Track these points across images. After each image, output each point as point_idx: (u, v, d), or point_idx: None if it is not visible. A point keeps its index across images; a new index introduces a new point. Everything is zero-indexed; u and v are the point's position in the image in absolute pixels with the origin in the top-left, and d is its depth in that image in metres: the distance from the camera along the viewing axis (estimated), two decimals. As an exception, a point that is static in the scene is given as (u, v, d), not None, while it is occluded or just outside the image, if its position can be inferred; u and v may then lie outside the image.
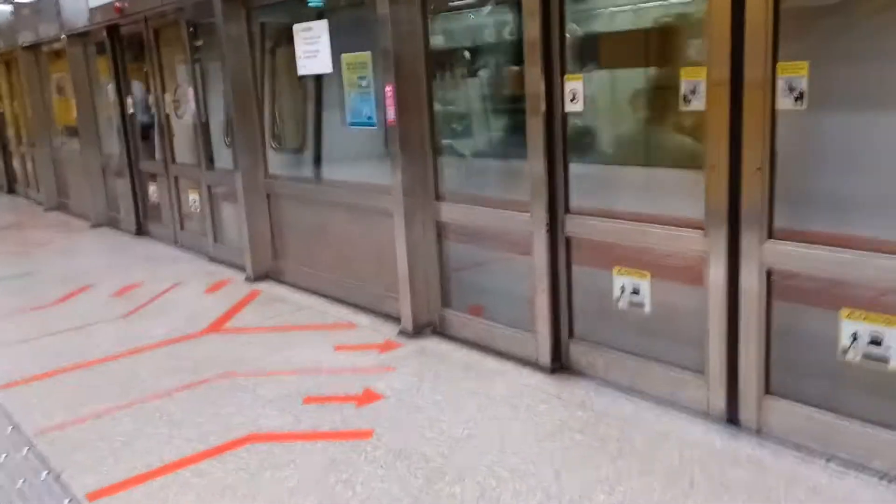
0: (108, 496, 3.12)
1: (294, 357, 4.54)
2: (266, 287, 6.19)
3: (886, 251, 2.77)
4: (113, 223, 9.45)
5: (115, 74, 8.53)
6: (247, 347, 4.78)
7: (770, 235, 3.06)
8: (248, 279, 6.39)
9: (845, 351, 2.92)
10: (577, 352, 4.00)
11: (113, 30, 8.36)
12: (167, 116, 7.85)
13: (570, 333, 4.03)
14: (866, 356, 2.87)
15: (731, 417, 3.31)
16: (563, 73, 3.75)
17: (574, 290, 3.99)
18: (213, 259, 7.23)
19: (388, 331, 4.87)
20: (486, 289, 4.67)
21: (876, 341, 2.83)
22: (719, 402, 3.34)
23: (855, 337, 2.88)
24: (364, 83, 4.90)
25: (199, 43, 6.92)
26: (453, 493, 2.94)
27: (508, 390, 3.87)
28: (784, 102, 2.93)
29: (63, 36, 9.26)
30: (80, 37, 9.15)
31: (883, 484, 2.80)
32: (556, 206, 3.91)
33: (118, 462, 3.39)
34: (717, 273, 3.24)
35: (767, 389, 3.19)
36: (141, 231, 8.86)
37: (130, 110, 8.52)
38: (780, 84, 2.92)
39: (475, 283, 4.74)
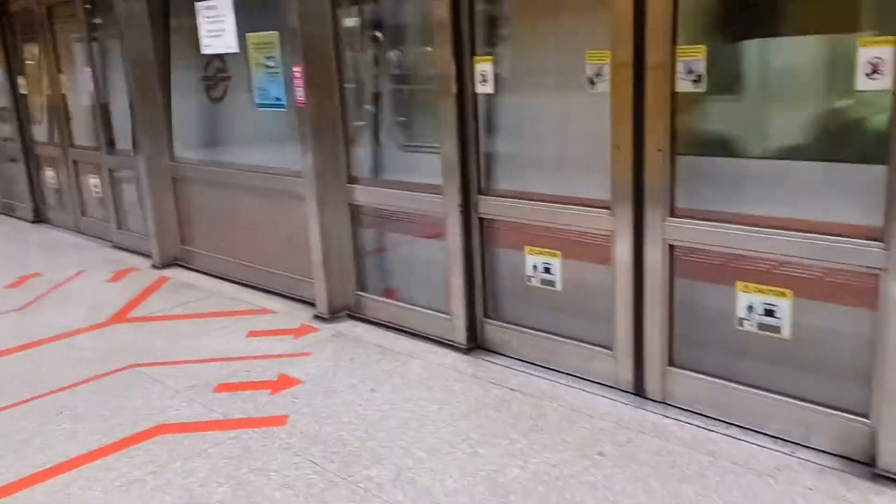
0: (6, 496, 2.97)
1: (205, 345, 4.43)
2: (174, 274, 6.00)
3: (777, 227, 2.92)
4: (8, 210, 8.94)
5: (3, 53, 8.03)
6: (154, 336, 4.63)
7: (672, 213, 3.18)
8: (154, 266, 6.18)
9: (741, 322, 3.07)
10: (492, 331, 4.05)
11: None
12: (64, 97, 7.47)
13: (485, 313, 4.08)
14: (761, 326, 3.03)
15: (638, 389, 3.44)
16: (473, 53, 3.77)
17: (488, 270, 4.04)
18: (117, 246, 6.95)
19: (303, 315, 4.81)
20: (402, 271, 4.67)
21: (769, 312, 2.99)
22: (627, 374, 3.46)
23: (750, 308, 3.03)
24: (271, 64, 4.79)
25: (98, 20, 6.60)
26: (369, 476, 2.95)
27: (425, 371, 3.89)
28: (683, 85, 3.03)
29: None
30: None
31: (777, 445, 2.97)
32: (470, 187, 3.94)
33: (18, 460, 3.23)
34: (623, 250, 3.34)
35: (671, 361, 3.32)
36: (39, 218, 8.42)
37: (23, 91, 8.06)
38: (680, 67, 3.02)
39: (391, 265, 4.73)
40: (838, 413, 2.86)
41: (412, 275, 4.59)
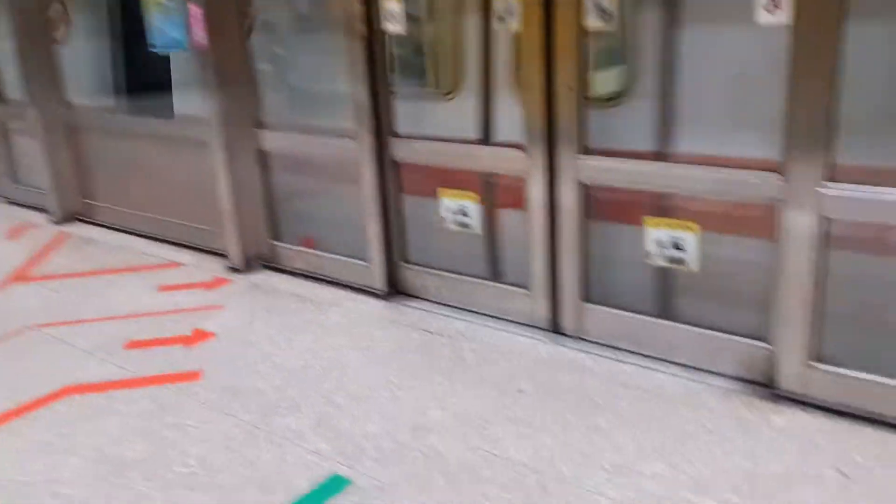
0: None
1: (112, 302, 4.26)
2: (76, 230, 5.71)
3: (684, 162, 2.98)
4: None
5: None
6: (58, 295, 4.41)
7: (583, 151, 3.20)
8: (54, 222, 5.86)
9: (651, 257, 3.15)
10: (411, 276, 4.04)
11: None
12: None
13: (403, 258, 4.06)
14: (670, 260, 3.12)
15: (555, 326, 3.51)
16: (380, -10, 3.65)
17: (405, 214, 4.01)
18: (13, 202, 6.54)
19: (215, 268, 4.68)
20: (318, 218, 4.58)
21: (677, 246, 3.08)
22: (543, 312, 3.52)
23: (659, 243, 3.11)
24: (169, 3, 4.51)
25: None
26: (288, 424, 2.92)
27: (344, 318, 3.86)
28: (593, 22, 3.02)
29: None
30: None
31: (685, 374, 3.10)
32: (382, 130, 3.86)
33: (-88, 431, 3.06)
34: (537, 190, 3.36)
35: (585, 297, 3.39)
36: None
37: None
38: (589, 3, 3.00)
39: (306, 213, 4.63)
40: (742, 339, 3.00)
41: (328, 222, 4.51)
